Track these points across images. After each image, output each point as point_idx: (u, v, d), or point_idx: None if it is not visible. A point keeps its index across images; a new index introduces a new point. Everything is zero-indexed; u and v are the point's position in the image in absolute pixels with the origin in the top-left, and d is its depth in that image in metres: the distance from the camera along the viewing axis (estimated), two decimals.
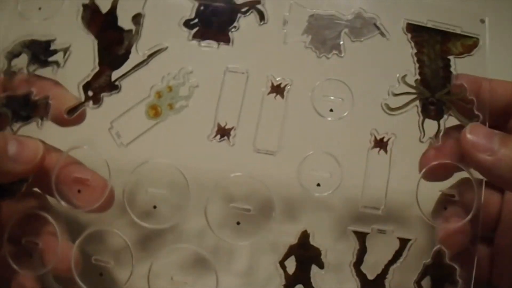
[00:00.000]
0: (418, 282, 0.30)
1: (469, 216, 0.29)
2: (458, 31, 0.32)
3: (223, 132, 0.30)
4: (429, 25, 0.31)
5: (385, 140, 0.30)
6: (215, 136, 0.30)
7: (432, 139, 0.30)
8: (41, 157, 0.29)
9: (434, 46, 0.31)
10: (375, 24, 0.31)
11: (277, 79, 0.31)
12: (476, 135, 0.29)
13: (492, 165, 0.28)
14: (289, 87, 0.31)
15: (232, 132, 0.30)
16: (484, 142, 0.29)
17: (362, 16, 0.31)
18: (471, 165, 0.29)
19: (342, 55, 0.31)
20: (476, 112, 0.30)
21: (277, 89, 0.31)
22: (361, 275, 0.30)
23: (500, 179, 0.29)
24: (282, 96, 0.30)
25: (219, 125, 0.30)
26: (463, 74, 0.31)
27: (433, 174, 0.30)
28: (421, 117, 0.31)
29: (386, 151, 0.30)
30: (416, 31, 0.31)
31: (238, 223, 0.29)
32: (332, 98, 0.31)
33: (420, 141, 0.30)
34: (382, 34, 0.31)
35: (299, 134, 0.30)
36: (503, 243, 0.32)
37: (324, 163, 0.30)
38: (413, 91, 0.31)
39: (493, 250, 0.32)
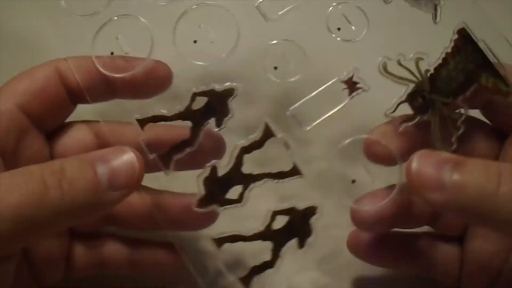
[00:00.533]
0: (275, 212, 0.28)
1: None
2: (500, 70, 0.30)
3: None
4: (480, 44, 0.30)
5: (357, 86, 0.29)
6: None
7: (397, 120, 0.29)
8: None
9: (469, 63, 0.30)
10: (435, 5, 0.30)
11: None
12: (423, 166, 0.25)
13: (443, 204, 0.24)
14: None
15: None
16: (432, 174, 0.24)
17: None
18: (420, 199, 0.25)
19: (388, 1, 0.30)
20: (453, 141, 0.28)
21: None
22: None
23: (456, 215, 0.27)
24: None
25: None
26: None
27: (373, 149, 0.29)
28: (404, 98, 0.29)
29: (349, 95, 0.29)
30: (463, 38, 0.30)
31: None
32: (350, 25, 0.30)
33: (385, 114, 0.29)
34: (434, 16, 0.30)
35: (300, 26, 0.30)
36: (472, 246, 0.30)
37: (295, 56, 0.29)
38: (417, 75, 0.29)
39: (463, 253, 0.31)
